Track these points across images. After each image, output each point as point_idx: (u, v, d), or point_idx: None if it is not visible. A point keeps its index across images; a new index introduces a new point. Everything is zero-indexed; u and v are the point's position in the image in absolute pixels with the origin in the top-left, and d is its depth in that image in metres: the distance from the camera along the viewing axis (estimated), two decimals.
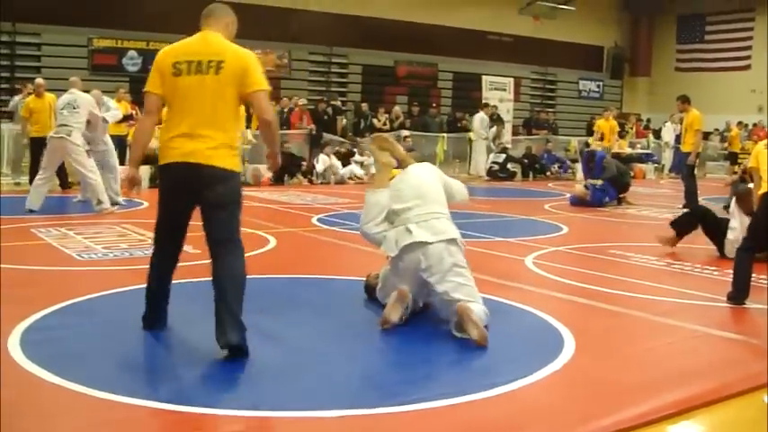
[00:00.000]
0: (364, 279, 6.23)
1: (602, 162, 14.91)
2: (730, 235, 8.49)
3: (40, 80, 13.96)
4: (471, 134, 22.53)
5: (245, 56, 4.79)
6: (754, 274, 7.40)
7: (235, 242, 4.83)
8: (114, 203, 11.81)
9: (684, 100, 14.39)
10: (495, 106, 23.73)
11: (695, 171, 14.74)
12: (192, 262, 6.67)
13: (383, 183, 5.88)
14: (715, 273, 7.77)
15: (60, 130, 11.19)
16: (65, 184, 14.03)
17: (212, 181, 4.69)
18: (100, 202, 11.25)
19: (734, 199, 8.72)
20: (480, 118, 21.97)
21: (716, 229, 8.92)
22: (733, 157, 25.17)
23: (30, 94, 14.36)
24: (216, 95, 4.71)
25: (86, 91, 12.06)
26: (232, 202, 4.81)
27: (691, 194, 14.05)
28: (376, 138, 6.22)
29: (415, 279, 5.49)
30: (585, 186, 14.59)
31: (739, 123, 26.36)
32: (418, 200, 5.64)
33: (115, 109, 13.06)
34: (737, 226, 8.39)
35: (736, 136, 25.58)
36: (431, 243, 5.39)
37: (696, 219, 9.27)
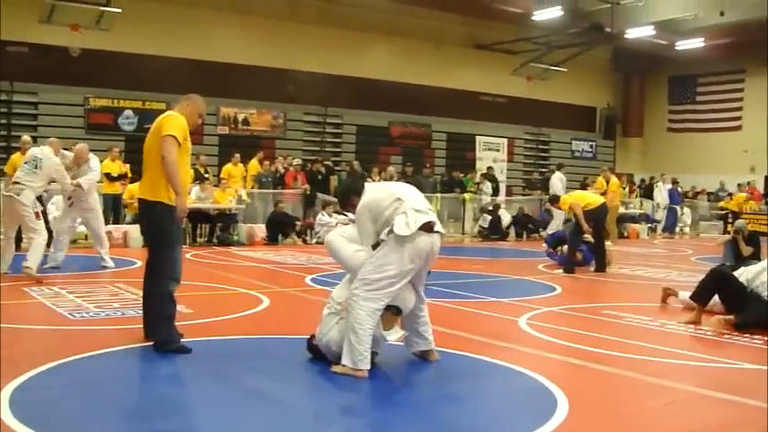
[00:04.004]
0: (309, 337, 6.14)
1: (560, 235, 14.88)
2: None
3: (26, 137, 13.74)
4: (466, 195, 22.64)
5: (162, 116, 6.35)
6: (747, 335, 7.40)
7: None
8: (103, 267, 11.69)
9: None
10: (490, 167, 23.94)
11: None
12: (185, 321, 6.66)
13: None
14: (709, 333, 7.74)
15: (12, 188, 10.54)
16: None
17: None
18: (28, 268, 10.23)
19: None
20: (559, 178, 21.99)
21: (736, 296, 8.33)
22: (732, 217, 25.43)
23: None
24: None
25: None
26: None
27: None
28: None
29: (422, 265, 5.68)
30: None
31: (740, 185, 26.86)
32: (414, 189, 5.97)
33: (95, 170, 11.90)
34: None
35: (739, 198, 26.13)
36: (438, 233, 5.71)
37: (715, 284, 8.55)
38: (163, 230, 6.23)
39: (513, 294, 10.12)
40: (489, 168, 24.42)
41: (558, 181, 21.84)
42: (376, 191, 5.86)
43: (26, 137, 13.86)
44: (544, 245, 15.49)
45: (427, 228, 5.57)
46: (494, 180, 23.91)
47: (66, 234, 11.85)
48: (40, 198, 12.29)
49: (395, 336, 5.83)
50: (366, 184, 6.05)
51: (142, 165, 6.38)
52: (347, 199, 6.12)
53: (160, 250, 6.25)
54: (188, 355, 5.99)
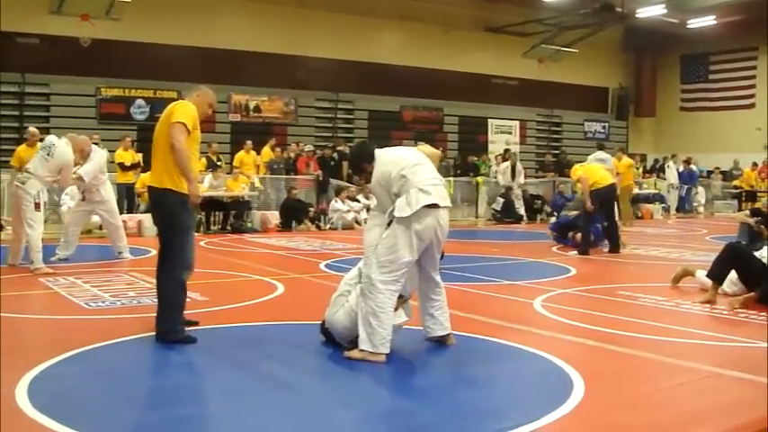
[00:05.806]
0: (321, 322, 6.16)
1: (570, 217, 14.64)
2: None
3: (33, 129, 13.73)
4: (479, 178, 22.57)
5: (173, 104, 6.26)
6: (764, 314, 7.38)
7: None
8: (120, 257, 11.68)
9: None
10: (508, 149, 23.77)
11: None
12: (200, 309, 6.68)
13: None
14: (724, 312, 7.72)
15: (21, 176, 10.43)
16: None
17: None
18: (31, 261, 10.19)
19: None
20: (596, 157, 21.77)
21: (756, 272, 8.20)
22: (748, 196, 25.33)
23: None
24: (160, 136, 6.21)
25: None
26: None
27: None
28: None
29: (428, 244, 5.66)
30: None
31: (754, 164, 26.83)
32: (422, 161, 5.85)
33: (93, 160, 11.44)
34: None
35: (749, 175, 26.01)
36: (443, 207, 5.68)
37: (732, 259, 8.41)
38: (173, 218, 6.16)
39: (528, 277, 10.11)
40: (506, 151, 24.30)
41: (593, 159, 21.57)
42: (385, 164, 5.79)
43: (33, 129, 13.71)
44: (549, 231, 15.34)
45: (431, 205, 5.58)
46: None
47: (76, 226, 11.76)
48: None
49: (398, 320, 5.80)
50: (376, 151, 5.93)
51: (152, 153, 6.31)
52: (359, 167, 6.18)
53: (171, 238, 6.21)
54: (203, 343, 6.00)
